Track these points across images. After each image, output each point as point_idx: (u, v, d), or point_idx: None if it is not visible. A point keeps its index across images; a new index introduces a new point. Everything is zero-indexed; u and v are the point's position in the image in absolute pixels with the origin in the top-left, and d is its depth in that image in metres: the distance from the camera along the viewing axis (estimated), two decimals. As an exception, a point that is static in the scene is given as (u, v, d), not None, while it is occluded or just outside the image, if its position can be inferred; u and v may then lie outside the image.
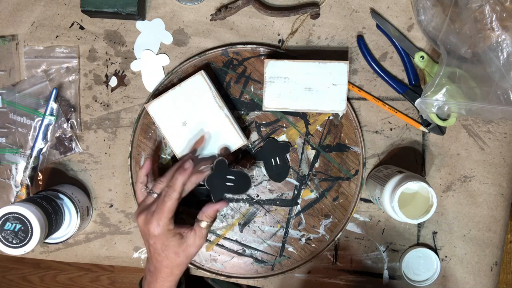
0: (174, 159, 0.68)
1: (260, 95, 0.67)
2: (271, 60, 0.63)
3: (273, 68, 0.63)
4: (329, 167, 0.68)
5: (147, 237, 0.58)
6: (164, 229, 0.57)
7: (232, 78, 0.68)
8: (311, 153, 0.68)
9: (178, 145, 0.64)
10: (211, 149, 0.64)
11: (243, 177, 0.61)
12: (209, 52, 0.67)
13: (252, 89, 0.68)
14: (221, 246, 0.68)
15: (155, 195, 0.59)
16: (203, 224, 0.59)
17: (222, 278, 0.69)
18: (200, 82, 0.63)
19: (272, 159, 0.67)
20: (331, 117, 0.67)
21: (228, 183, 0.60)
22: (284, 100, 0.64)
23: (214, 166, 0.60)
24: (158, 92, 0.67)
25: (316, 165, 0.68)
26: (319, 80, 0.63)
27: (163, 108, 0.63)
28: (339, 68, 0.63)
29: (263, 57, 0.67)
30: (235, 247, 0.68)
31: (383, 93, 0.68)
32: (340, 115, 0.67)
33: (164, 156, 0.68)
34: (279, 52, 0.67)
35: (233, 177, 0.60)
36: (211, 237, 0.68)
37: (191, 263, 0.68)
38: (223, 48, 0.67)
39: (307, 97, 0.64)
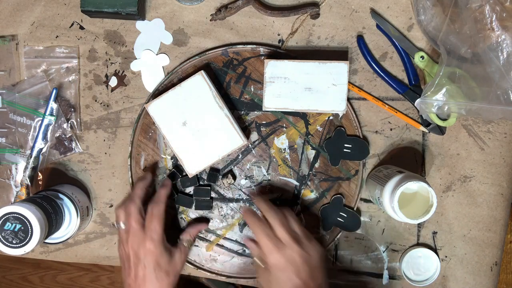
0: (173, 159, 0.68)
1: (260, 95, 0.67)
2: (271, 60, 0.63)
3: (273, 68, 0.63)
4: (329, 167, 0.68)
5: (140, 257, 0.57)
6: (160, 240, 0.58)
7: (232, 78, 0.68)
8: (311, 153, 0.68)
9: (178, 145, 0.64)
10: (212, 149, 0.64)
11: (360, 144, 0.66)
12: (209, 52, 0.67)
13: (252, 89, 0.68)
14: (221, 246, 0.68)
15: (123, 226, 0.60)
16: (186, 243, 0.63)
17: (222, 278, 0.69)
18: (200, 82, 0.63)
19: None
20: (331, 117, 0.67)
21: (345, 150, 0.66)
22: (284, 100, 0.64)
23: (332, 133, 0.66)
24: (158, 92, 0.67)
25: (316, 165, 0.68)
26: (319, 80, 0.63)
27: (163, 108, 0.63)
28: (339, 68, 0.63)
29: (263, 57, 0.67)
30: (235, 247, 0.68)
31: (383, 93, 0.68)
32: (340, 115, 0.67)
33: (164, 156, 0.68)
34: (279, 52, 0.67)
35: (350, 145, 0.65)
36: (211, 237, 0.68)
37: (191, 263, 0.68)
38: (223, 48, 0.67)
39: (307, 97, 0.64)
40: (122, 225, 0.60)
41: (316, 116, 0.67)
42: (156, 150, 0.68)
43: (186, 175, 0.67)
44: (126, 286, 0.59)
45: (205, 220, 0.68)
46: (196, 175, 0.66)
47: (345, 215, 0.67)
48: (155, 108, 0.63)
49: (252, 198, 0.63)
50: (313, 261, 0.57)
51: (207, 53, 0.67)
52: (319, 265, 0.57)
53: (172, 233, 0.64)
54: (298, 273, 0.56)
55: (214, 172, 0.67)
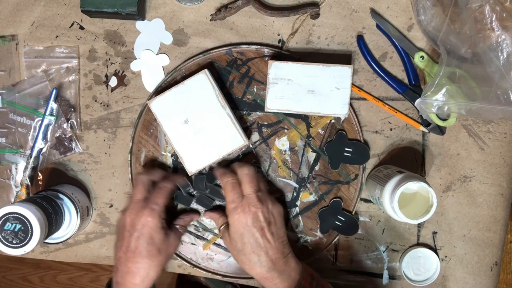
0: (174, 156, 0.68)
1: (263, 96, 0.67)
2: (275, 61, 0.63)
3: (277, 70, 0.63)
4: (329, 171, 0.67)
5: (136, 227, 0.57)
6: (159, 213, 0.58)
7: (235, 78, 0.68)
8: (311, 155, 0.68)
9: (179, 143, 0.64)
10: (213, 148, 0.64)
11: (360, 148, 0.66)
12: (214, 51, 0.67)
13: (255, 90, 0.68)
14: (218, 245, 0.68)
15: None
16: (181, 228, 0.64)
17: (218, 277, 0.69)
18: (203, 81, 0.63)
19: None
20: (333, 121, 0.67)
21: (345, 154, 0.66)
22: (286, 102, 0.64)
23: (334, 137, 0.66)
24: (161, 89, 0.67)
25: (316, 168, 0.68)
26: (322, 83, 0.63)
27: (165, 105, 0.63)
28: (343, 72, 0.63)
29: (267, 58, 0.67)
30: (235, 247, 0.68)
31: (383, 93, 0.68)
32: (342, 119, 0.67)
33: (165, 153, 0.68)
34: (283, 53, 0.67)
35: (351, 149, 0.66)
36: (208, 235, 0.68)
37: (187, 261, 0.68)
38: (228, 48, 0.67)
39: (309, 100, 0.64)
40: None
41: (318, 118, 0.67)
42: (157, 147, 0.68)
43: (200, 174, 0.67)
44: (116, 260, 0.58)
45: (196, 211, 0.68)
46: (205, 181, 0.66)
47: (343, 219, 0.67)
48: (157, 105, 0.63)
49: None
50: (275, 220, 0.59)
51: (211, 51, 0.67)
52: (280, 223, 0.60)
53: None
54: (262, 232, 0.58)
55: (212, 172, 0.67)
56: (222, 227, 0.62)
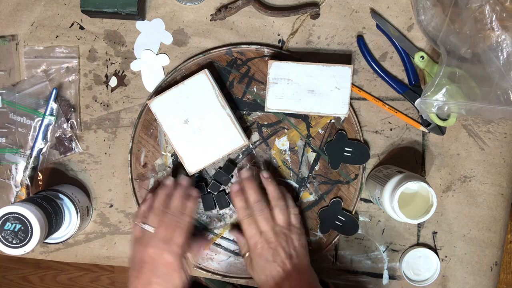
0: (174, 156, 0.68)
1: (263, 95, 0.67)
2: (275, 61, 0.63)
3: (277, 69, 0.63)
4: (329, 170, 0.67)
5: (156, 267, 0.57)
6: (180, 254, 0.58)
7: (235, 78, 0.68)
8: (311, 155, 0.68)
9: (179, 143, 0.64)
10: (213, 148, 0.64)
11: (360, 148, 0.66)
12: (214, 51, 0.67)
13: (255, 90, 0.68)
14: (218, 245, 0.69)
15: (152, 230, 0.59)
16: (191, 258, 0.63)
17: (218, 277, 0.69)
18: (203, 81, 0.63)
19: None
20: (333, 121, 0.67)
21: (345, 154, 0.66)
22: (286, 102, 0.64)
23: (334, 137, 0.66)
24: (161, 89, 0.67)
25: (316, 167, 0.68)
26: (322, 83, 0.63)
27: (165, 105, 0.63)
28: (343, 72, 0.63)
29: (267, 58, 0.67)
30: (232, 246, 0.68)
31: (383, 93, 0.68)
32: (342, 118, 0.67)
33: (165, 154, 0.68)
34: (283, 53, 0.67)
35: (351, 149, 0.66)
36: (209, 235, 0.68)
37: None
38: (228, 48, 0.67)
39: (309, 100, 0.64)
40: (151, 229, 0.59)
41: (318, 118, 0.67)
42: (157, 147, 0.68)
43: (221, 168, 0.67)
44: (133, 287, 0.59)
45: (204, 238, 0.68)
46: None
47: (343, 219, 0.67)
48: (157, 105, 0.63)
49: (263, 176, 0.64)
50: (297, 252, 0.60)
51: (211, 51, 0.67)
52: (302, 254, 0.60)
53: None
54: (284, 266, 0.58)
55: (231, 164, 0.67)
56: (246, 255, 0.63)
